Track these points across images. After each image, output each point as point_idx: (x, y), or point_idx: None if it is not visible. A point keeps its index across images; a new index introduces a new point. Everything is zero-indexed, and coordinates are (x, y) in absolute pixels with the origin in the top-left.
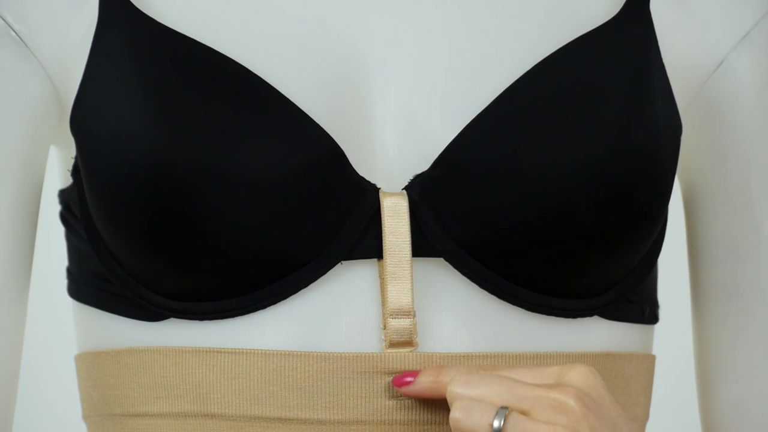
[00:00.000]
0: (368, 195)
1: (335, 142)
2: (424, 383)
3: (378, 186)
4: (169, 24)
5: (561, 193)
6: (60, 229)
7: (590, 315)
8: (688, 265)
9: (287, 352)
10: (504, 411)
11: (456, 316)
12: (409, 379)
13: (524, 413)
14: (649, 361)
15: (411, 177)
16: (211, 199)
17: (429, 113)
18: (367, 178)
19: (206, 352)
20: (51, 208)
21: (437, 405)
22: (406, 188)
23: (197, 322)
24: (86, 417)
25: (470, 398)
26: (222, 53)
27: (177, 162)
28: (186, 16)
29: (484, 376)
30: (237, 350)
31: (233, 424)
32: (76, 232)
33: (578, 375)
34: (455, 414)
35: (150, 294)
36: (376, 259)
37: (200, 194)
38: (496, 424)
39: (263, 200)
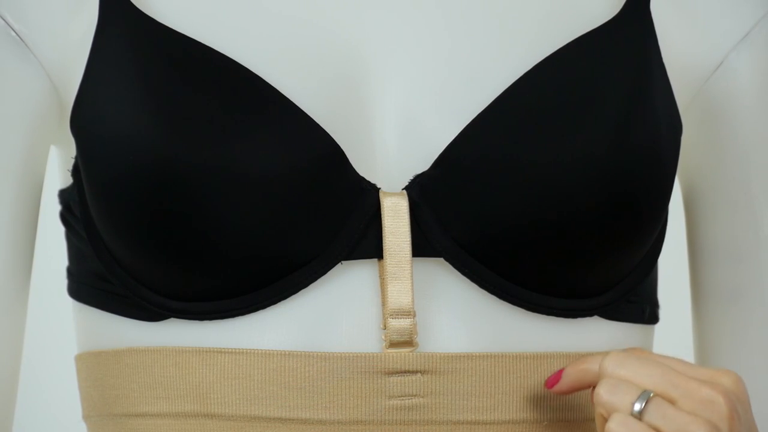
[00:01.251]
0: (368, 195)
1: (335, 142)
2: (570, 377)
3: (378, 186)
4: (170, 24)
5: (561, 193)
6: (60, 229)
7: (590, 315)
8: (688, 265)
9: (287, 352)
10: (648, 394)
11: (456, 316)
12: (557, 379)
13: (671, 401)
14: None
15: (411, 177)
16: (211, 199)
17: (429, 113)
18: (367, 178)
19: (206, 352)
20: (51, 208)
21: (438, 405)
22: (406, 188)
23: (197, 322)
24: (86, 417)
25: (620, 377)
26: (222, 53)
27: (177, 162)
28: (186, 16)
29: (639, 357)
30: (237, 350)
31: (233, 424)
32: (76, 232)
33: (730, 380)
34: (600, 389)
35: (150, 294)
36: (376, 259)
37: (200, 194)
38: (637, 406)
39: (263, 200)
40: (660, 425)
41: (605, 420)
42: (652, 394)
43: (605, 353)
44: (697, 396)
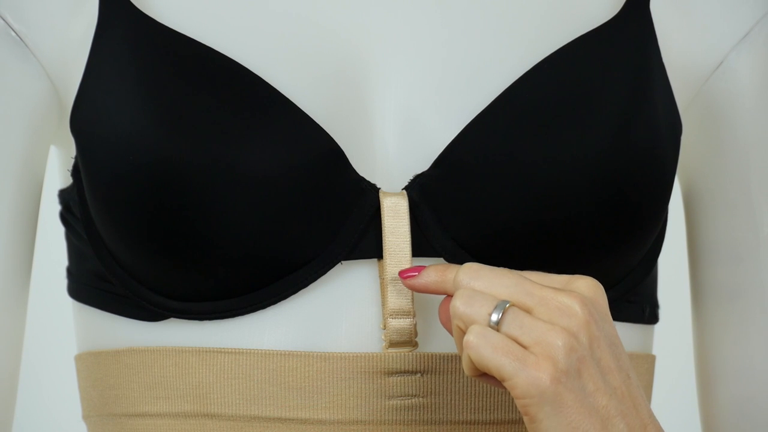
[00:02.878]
0: (368, 195)
1: (335, 142)
2: (429, 277)
3: (378, 186)
4: (169, 24)
5: (561, 194)
6: (60, 229)
7: None
8: (688, 265)
9: (287, 352)
10: (504, 304)
11: None
12: (413, 273)
13: (527, 310)
14: (649, 361)
15: (411, 177)
16: (211, 199)
17: (429, 113)
18: (367, 178)
19: (206, 352)
20: (51, 208)
21: (438, 405)
22: (406, 188)
23: (197, 322)
24: (86, 417)
25: (474, 289)
26: (222, 53)
27: (177, 162)
28: (186, 16)
29: (493, 269)
30: (237, 350)
31: (233, 424)
32: (76, 232)
33: (586, 285)
34: (455, 302)
35: (150, 294)
36: (376, 259)
37: (200, 194)
38: (494, 317)
39: (263, 200)
40: (518, 335)
41: (463, 332)
42: (508, 305)
43: (463, 267)
44: (553, 304)
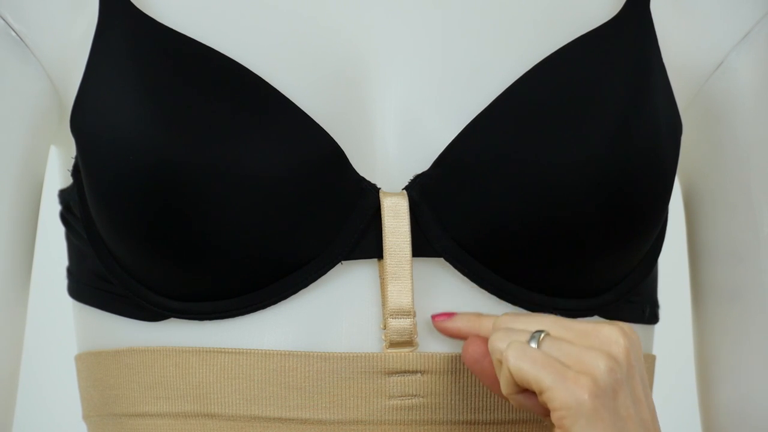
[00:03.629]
0: (368, 195)
1: (335, 142)
2: (462, 322)
3: (378, 186)
4: (170, 24)
5: (561, 193)
6: (60, 229)
7: (590, 315)
8: (688, 265)
9: (287, 352)
10: (541, 333)
11: None
12: (445, 317)
13: (567, 342)
14: (649, 361)
15: (411, 177)
16: (211, 200)
17: (429, 113)
18: (367, 178)
19: (206, 352)
20: (51, 208)
21: (438, 405)
22: (406, 188)
23: (197, 322)
24: (86, 417)
25: (511, 327)
26: (222, 53)
27: (177, 162)
28: (186, 16)
29: (533, 314)
30: (237, 350)
31: (233, 424)
32: (76, 232)
33: (624, 324)
34: (492, 338)
35: (150, 294)
36: (376, 259)
37: (200, 194)
38: (533, 344)
39: (263, 200)
40: (558, 356)
41: (501, 365)
42: (544, 334)
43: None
44: (593, 334)
